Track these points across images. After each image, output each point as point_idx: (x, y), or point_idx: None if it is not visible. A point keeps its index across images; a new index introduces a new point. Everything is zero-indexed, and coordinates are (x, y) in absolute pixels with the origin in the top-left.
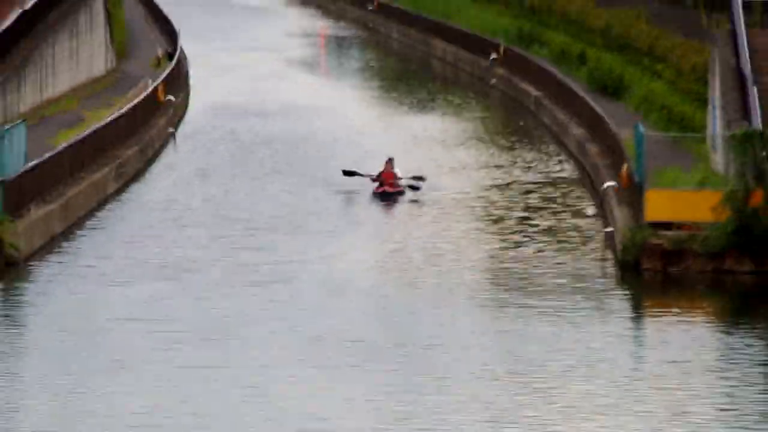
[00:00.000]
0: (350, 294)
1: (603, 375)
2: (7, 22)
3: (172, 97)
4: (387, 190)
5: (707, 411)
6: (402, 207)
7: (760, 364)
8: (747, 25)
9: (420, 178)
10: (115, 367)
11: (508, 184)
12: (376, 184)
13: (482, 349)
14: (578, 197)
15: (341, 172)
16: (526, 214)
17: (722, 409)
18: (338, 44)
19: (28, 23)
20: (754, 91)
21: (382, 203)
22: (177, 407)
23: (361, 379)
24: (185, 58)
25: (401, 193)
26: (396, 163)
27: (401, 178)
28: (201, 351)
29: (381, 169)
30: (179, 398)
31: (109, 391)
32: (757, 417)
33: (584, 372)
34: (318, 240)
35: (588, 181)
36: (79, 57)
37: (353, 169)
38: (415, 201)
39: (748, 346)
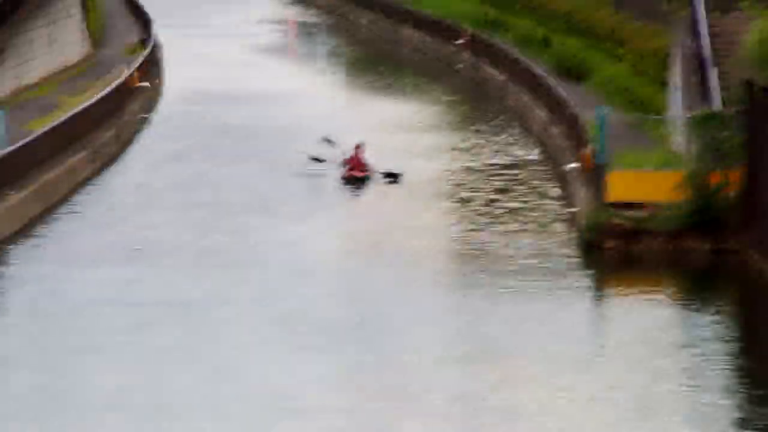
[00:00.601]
0: (318, 275)
1: (566, 353)
2: None
3: (146, 83)
4: (355, 175)
5: (671, 388)
6: (370, 190)
7: (720, 340)
8: (707, 10)
9: (395, 175)
10: (87, 348)
11: (474, 167)
12: (345, 168)
13: (446, 328)
14: (543, 179)
15: (308, 158)
16: (492, 196)
17: (686, 385)
18: (308, 31)
19: (3, 11)
20: (713, 74)
21: (351, 187)
22: (148, 388)
23: (328, 359)
24: (159, 45)
25: (369, 177)
26: (366, 148)
27: (370, 167)
28: (171, 332)
29: (351, 154)
30: (150, 379)
31: (80, 372)
32: (720, 392)
33: (548, 351)
34: (286, 223)
35: (552, 162)
36: (55, 44)
37: (319, 156)
38: (388, 178)
39: (709, 323)
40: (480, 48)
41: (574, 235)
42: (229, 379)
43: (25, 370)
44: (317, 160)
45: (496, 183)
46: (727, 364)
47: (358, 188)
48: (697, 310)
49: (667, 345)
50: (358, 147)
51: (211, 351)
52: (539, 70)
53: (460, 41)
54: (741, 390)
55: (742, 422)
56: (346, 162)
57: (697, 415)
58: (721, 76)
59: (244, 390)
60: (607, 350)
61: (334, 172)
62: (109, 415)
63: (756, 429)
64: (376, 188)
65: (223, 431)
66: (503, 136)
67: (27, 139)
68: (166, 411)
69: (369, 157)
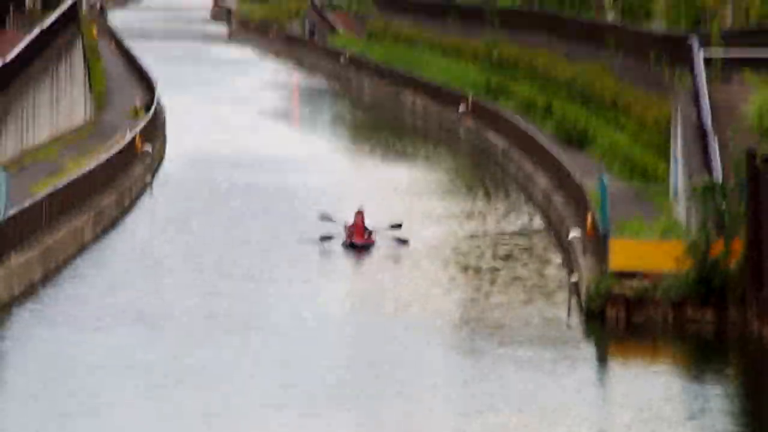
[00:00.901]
0: (323, 341)
1: (570, 423)
2: None
3: (149, 147)
4: (355, 242)
5: None
6: (373, 257)
7: (723, 413)
8: (708, 80)
9: (398, 226)
10: (89, 412)
11: (476, 234)
12: (346, 234)
13: (449, 397)
14: (544, 247)
15: (318, 216)
16: (494, 264)
17: None
18: (311, 96)
19: (8, 74)
20: (714, 145)
21: (353, 254)
22: None
23: (336, 423)
24: (162, 108)
25: (371, 244)
26: (368, 213)
27: (373, 231)
28: (176, 397)
29: (351, 220)
30: None
31: None
32: None
33: (551, 420)
34: (290, 288)
35: (554, 231)
36: (59, 107)
37: (329, 215)
38: (394, 229)
39: (712, 395)
40: (482, 114)
41: (577, 303)
42: None
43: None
44: (327, 238)
45: (500, 250)
46: None
47: (361, 254)
48: (701, 381)
49: (670, 416)
50: (358, 213)
51: (218, 415)
52: (541, 137)
53: (462, 109)
54: None
55: None
56: (347, 228)
57: None
58: (722, 146)
59: None
60: (611, 422)
61: (338, 237)
62: None
63: None
64: (380, 254)
65: None
66: (506, 204)
67: (30, 202)
68: None
69: (370, 222)
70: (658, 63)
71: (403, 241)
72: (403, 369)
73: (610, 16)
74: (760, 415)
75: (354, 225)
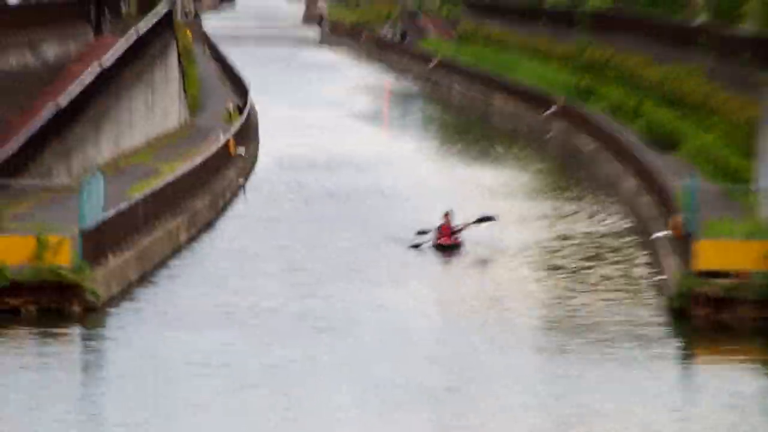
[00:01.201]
0: (412, 339)
1: (656, 421)
2: (87, 79)
3: (242, 151)
4: (443, 243)
5: None
6: (462, 257)
7: None
8: None
9: (490, 218)
10: (185, 411)
11: (566, 235)
12: (435, 236)
13: (536, 393)
14: (632, 247)
15: (415, 237)
16: (583, 263)
17: None
18: (402, 98)
19: (105, 79)
20: None
21: (440, 254)
22: None
23: (421, 425)
24: (255, 112)
25: (458, 245)
26: (454, 215)
27: (461, 229)
28: (266, 395)
29: (441, 222)
30: None
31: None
32: None
33: (638, 418)
34: (380, 288)
35: (642, 231)
36: (154, 111)
37: (424, 230)
38: (483, 221)
39: None
40: (571, 116)
41: (663, 302)
42: None
43: (123, 429)
44: (417, 246)
45: (588, 251)
46: None
47: (448, 255)
48: None
49: (758, 413)
50: (446, 215)
51: (306, 414)
52: (630, 138)
53: (551, 110)
54: None
55: None
56: (436, 230)
57: None
58: None
59: None
60: (698, 418)
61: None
62: None
63: None
64: (469, 254)
65: None
66: (594, 205)
67: (126, 204)
68: None
69: (458, 223)
70: (748, 64)
71: (489, 219)
72: (490, 369)
73: (701, 17)
74: None
75: (442, 226)
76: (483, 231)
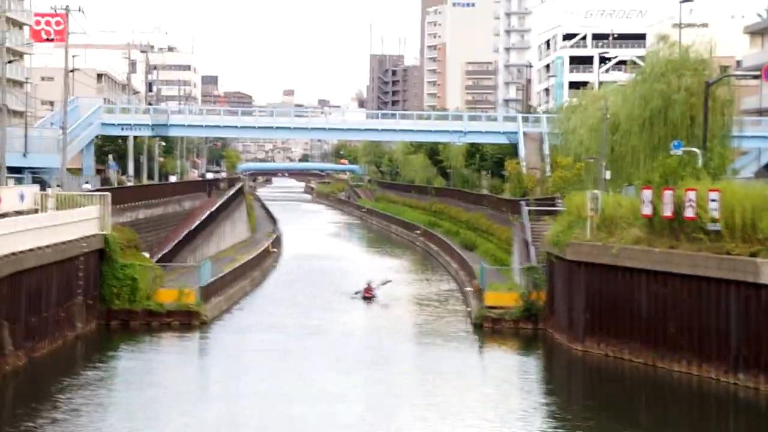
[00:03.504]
0: (355, 336)
1: (469, 374)
2: (204, 215)
3: (275, 249)
4: (366, 295)
5: (528, 398)
6: (375, 302)
7: (527, 373)
8: (528, 220)
9: (388, 281)
10: (251, 370)
11: (422, 291)
12: (362, 292)
13: (414, 363)
14: (455, 296)
15: (353, 293)
16: (432, 303)
17: (542, 402)
18: (349, 226)
19: (213, 217)
20: (532, 249)
21: (365, 302)
22: (294, 381)
23: (357, 375)
24: (281, 232)
25: (374, 297)
26: (372, 281)
27: (376, 288)
28: (292, 362)
29: (365, 285)
30: (291, 374)
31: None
32: (556, 402)
33: (461, 373)
34: (339, 314)
35: (460, 288)
36: (234, 231)
37: (358, 291)
38: (383, 284)
39: (535, 366)
40: (427, 235)
41: (470, 321)
42: (309, 382)
43: (224, 392)
44: (357, 293)
45: (435, 297)
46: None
47: (369, 302)
48: (528, 357)
49: (516, 371)
50: (368, 283)
51: (308, 371)
52: (453, 245)
53: (417, 232)
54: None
55: None
56: (364, 290)
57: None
58: (536, 250)
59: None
60: (488, 373)
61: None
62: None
63: None
64: (378, 303)
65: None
66: (437, 276)
67: (220, 274)
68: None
69: (374, 285)
70: (506, 212)
71: (388, 281)
72: (391, 351)
73: (484, 191)
74: (552, 380)
75: (366, 289)
76: (385, 290)
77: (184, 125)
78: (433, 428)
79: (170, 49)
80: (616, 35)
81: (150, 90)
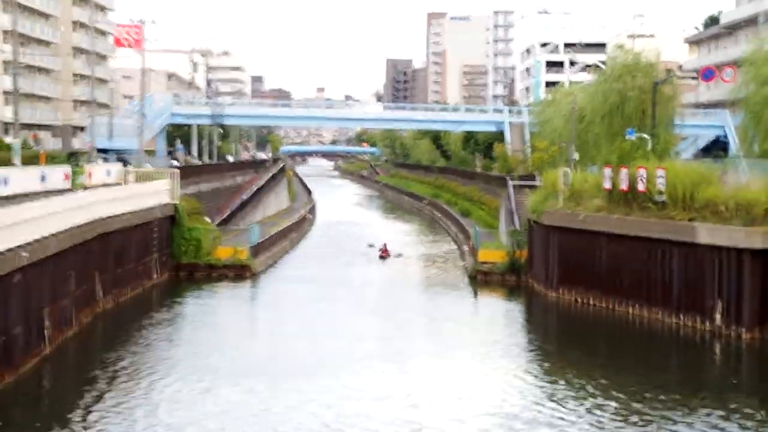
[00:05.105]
0: (373, 285)
1: (466, 316)
2: (253, 188)
3: (311, 216)
4: (383, 255)
5: (512, 334)
6: (389, 261)
7: (518, 315)
8: (515, 192)
9: (399, 255)
10: (287, 307)
11: (430, 250)
12: (379, 252)
13: (422, 307)
14: (455, 254)
15: (367, 245)
16: (437, 261)
17: (523, 336)
18: (369, 197)
19: (260, 190)
20: (516, 216)
21: (381, 260)
22: (322, 319)
23: (375, 319)
24: (315, 201)
25: (388, 256)
26: (388, 243)
27: (390, 252)
28: (320, 303)
29: (381, 246)
30: (316, 315)
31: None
32: (534, 333)
33: (460, 316)
34: (360, 268)
35: (458, 247)
36: (277, 200)
37: (372, 244)
38: (398, 256)
39: (518, 309)
40: (432, 204)
41: (467, 274)
42: (335, 322)
43: (269, 333)
44: (371, 245)
45: (438, 256)
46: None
47: (385, 260)
48: (512, 302)
49: (504, 315)
50: (384, 244)
51: (330, 310)
52: (453, 212)
53: (424, 202)
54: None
55: None
56: (380, 250)
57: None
58: (519, 216)
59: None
60: (481, 315)
61: (376, 254)
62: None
63: None
64: (392, 260)
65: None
66: (440, 238)
67: (266, 236)
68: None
69: (390, 248)
70: (495, 186)
71: (400, 255)
72: (403, 297)
73: (478, 168)
74: (531, 320)
75: (383, 249)
76: (397, 250)
77: (237, 116)
78: (434, 357)
79: (225, 53)
80: (582, 44)
81: (209, 86)
